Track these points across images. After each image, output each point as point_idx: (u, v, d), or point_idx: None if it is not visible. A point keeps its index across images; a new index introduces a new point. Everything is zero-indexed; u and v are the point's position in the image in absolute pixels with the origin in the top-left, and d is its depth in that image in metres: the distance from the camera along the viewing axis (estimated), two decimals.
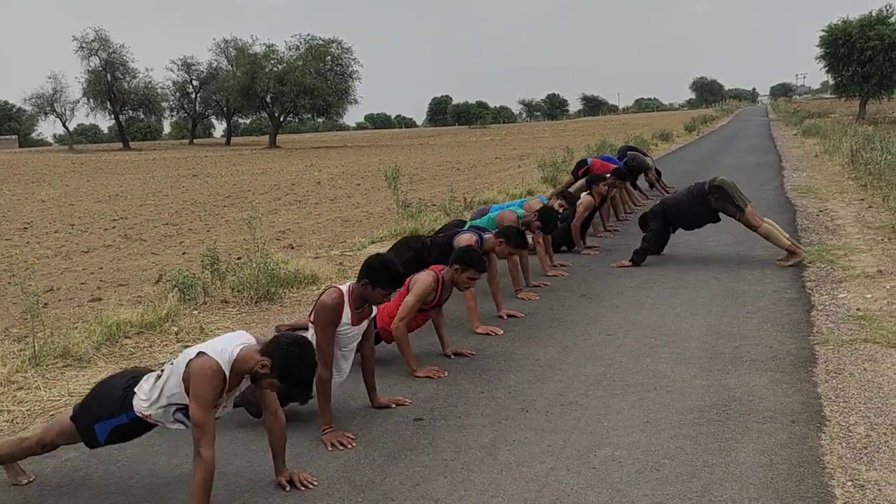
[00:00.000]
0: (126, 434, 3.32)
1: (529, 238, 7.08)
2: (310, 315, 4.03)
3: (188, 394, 3.07)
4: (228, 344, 3.14)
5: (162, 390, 3.16)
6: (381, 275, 3.89)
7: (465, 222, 7.36)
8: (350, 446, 3.72)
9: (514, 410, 4.10)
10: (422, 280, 4.86)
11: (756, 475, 3.22)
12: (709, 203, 7.64)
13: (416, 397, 4.36)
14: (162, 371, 3.23)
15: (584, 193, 9.03)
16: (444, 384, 4.57)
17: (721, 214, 7.71)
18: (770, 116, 64.94)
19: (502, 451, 3.60)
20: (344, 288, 4.00)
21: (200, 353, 3.07)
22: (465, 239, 5.83)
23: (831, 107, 57.34)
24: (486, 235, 5.95)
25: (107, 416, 3.25)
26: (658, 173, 14.28)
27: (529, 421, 3.94)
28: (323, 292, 4.00)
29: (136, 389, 3.24)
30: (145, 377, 3.29)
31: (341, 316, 3.92)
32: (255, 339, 3.32)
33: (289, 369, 3.05)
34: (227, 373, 3.07)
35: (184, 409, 3.14)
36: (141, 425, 3.28)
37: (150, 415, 3.20)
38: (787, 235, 7.60)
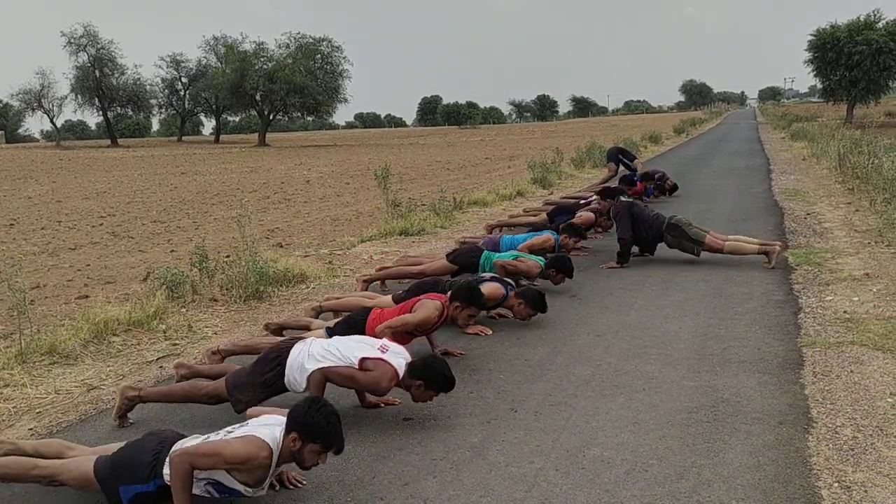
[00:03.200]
0: (149, 501, 3.17)
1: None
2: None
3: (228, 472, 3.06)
4: (273, 430, 3.12)
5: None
6: (438, 380, 3.94)
7: (480, 250, 7.07)
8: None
9: (504, 410, 4.10)
10: (428, 307, 4.83)
11: (744, 476, 3.24)
12: (664, 239, 7.90)
13: (406, 397, 4.35)
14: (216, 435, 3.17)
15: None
16: None
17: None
18: (758, 119, 65.32)
19: (491, 450, 3.60)
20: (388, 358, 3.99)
21: (258, 438, 3.06)
22: (490, 289, 5.63)
23: (819, 111, 57.67)
24: (510, 291, 5.83)
25: (133, 480, 3.13)
26: (663, 175, 14.09)
27: (518, 421, 3.94)
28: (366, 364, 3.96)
29: (169, 455, 3.12)
30: (182, 441, 3.20)
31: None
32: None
33: (312, 426, 3.06)
34: (276, 458, 3.07)
35: (215, 483, 3.09)
36: (166, 493, 3.10)
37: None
38: (753, 240, 7.70)
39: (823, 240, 8.62)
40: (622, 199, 8.62)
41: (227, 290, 6.98)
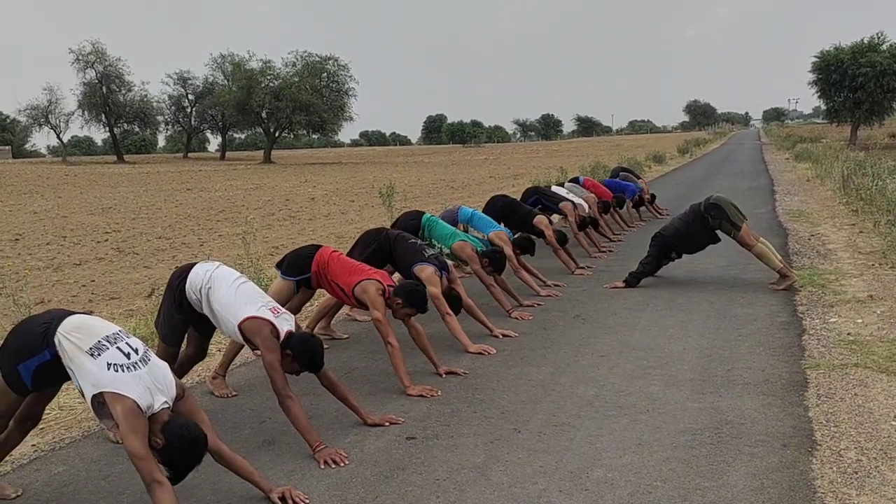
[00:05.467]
0: (51, 375, 3.21)
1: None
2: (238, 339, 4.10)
3: (101, 404, 3.04)
4: (156, 395, 3.08)
5: (80, 367, 3.08)
6: (305, 357, 3.88)
7: (421, 213, 7.14)
8: (343, 464, 3.71)
9: (507, 430, 4.09)
10: (371, 293, 4.82)
11: (747, 499, 3.23)
12: (706, 222, 7.69)
13: (409, 416, 4.35)
14: (97, 354, 3.08)
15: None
16: (437, 403, 4.57)
17: (720, 234, 7.75)
18: (762, 140, 65.44)
19: (495, 471, 3.59)
20: (275, 321, 3.97)
21: (127, 397, 2.99)
22: (426, 273, 5.60)
23: (823, 132, 57.76)
24: (444, 276, 5.77)
25: (28, 355, 3.17)
26: (652, 196, 14.40)
27: (522, 441, 3.94)
28: (246, 324, 3.97)
29: (61, 328, 3.16)
30: (75, 324, 3.20)
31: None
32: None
33: (173, 459, 3.03)
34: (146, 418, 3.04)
35: (83, 393, 3.10)
36: (63, 366, 3.17)
37: (65, 364, 3.13)
38: (779, 257, 7.65)
39: (827, 261, 8.61)
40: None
41: None
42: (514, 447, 3.87)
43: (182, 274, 4.29)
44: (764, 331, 5.91)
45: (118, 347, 3.15)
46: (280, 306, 4.18)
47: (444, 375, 5.05)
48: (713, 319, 6.34)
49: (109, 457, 3.95)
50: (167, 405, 3.11)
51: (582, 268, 8.80)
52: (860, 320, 6.03)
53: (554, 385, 4.82)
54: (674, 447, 3.78)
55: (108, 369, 3.05)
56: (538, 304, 7.08)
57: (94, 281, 9.42)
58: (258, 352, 4.05)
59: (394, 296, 4.90)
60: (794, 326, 5.99)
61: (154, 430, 3.03)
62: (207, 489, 3.49)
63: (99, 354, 3.09)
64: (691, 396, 4.50)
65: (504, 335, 6.00)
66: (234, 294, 4.07)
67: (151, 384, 3.10)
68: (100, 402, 3.06)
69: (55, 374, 3.21)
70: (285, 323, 3.99)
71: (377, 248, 5.98)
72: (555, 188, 11.02)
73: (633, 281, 7.76)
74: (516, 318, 6.55)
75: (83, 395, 3.12)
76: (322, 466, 3.69)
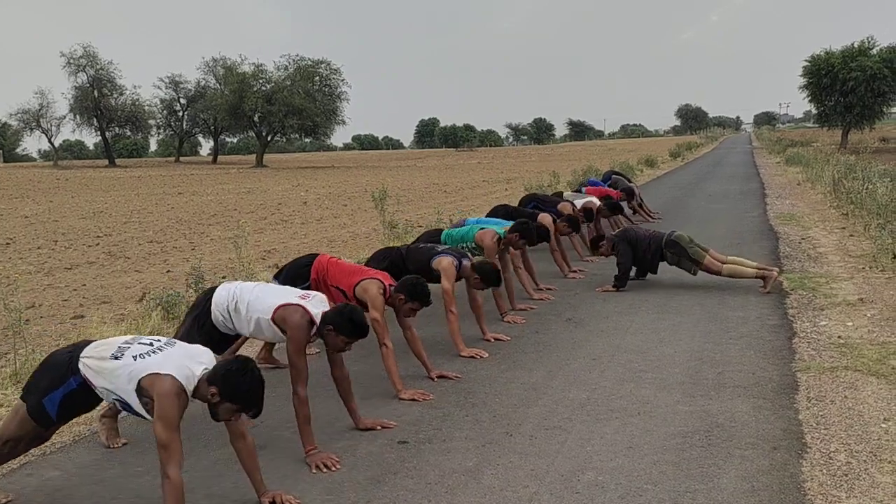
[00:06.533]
0: (77, 403, 3.26)
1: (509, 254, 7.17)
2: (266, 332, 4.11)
3: (138, 398, 3.08)
4: (192, 364, 3.13)
5: (110, 374, 3.13)
6: (347, 325, 3.89)
7: (441, 231, 7.35)
8: (335, 468, 3.71)
9: (499, 434, 4.10)
10: (372, 293, 4.82)
11: (738, 501, 3.24)
12: (664, 256, 7.88)
13: (401, 420, 4.35)
14: (118, 356, 3.15)
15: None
16: (429, 407, 4.57)
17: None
18: (754, 144, 65.71)
19: (486, 474, 3.60)
20: (309, 309, 3.99)
21: (163, 374, 3.04)
22: (444, 263, 5.78)
23: (814, 136, 57.97)
24: (465, 262, 5.89)
25: (55, 385, 3.20)
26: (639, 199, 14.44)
27: (514, 445, 3.95)
28: (278, 313, 4.00)
29: (83, 354, 3.21)
30: (97, 342, 3.27)
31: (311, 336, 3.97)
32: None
33: (235, 387, 3.05)
34: (190, 393, 3.08)
35: (122, 402, 3.15)
36: (92, 394, 3.22)
37: (92, 384, 3.17)
38: (752, 264, 7.70)
39: (818, 264, 8.66)
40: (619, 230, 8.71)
41: None
42: (505, 451, 3.87)
43: (208, 294, 4.33)
44: (755, 334, 5.93)
45: (140, 343, 3.22)
46: (310, 291, 4.24)
47: (436, 379, 5.06)
48: (704, 322, 6.37)
49: (102, 461, 3.94)
50: (208, 370, 3.14)
51: (574, 271, 8.83)
52: (850, 323, 6.07)
53: (546, 388, 4.83)
54: (665, 450, 3.80)
55: (136, 360, 3.11)
56: (530, 308, 7.09)
57: (85, 285, 9.38)
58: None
59: (395, 293, 4.87)
60: (784, 329, 6.02)
61: (203, 389, 3.08)
62: (201, 493, 3.49)
63: (122, 355, 3.16)
64: (682, 399, 4.52)
65: (496, 339, 6.01)
66: (262, 292, 4.14)
67: (184, 355, 3.16)
68: (146, 401, 3.10)
69: (81, 402, 3.28)
70: (318, 305, 4.03)
71: (391, 264, 5.95)
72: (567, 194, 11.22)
73: (620, 283, 7.79)
74: (508, 322, 6.56)
75: (131, 408, 3.14)
76: (313, 470, 3.69)
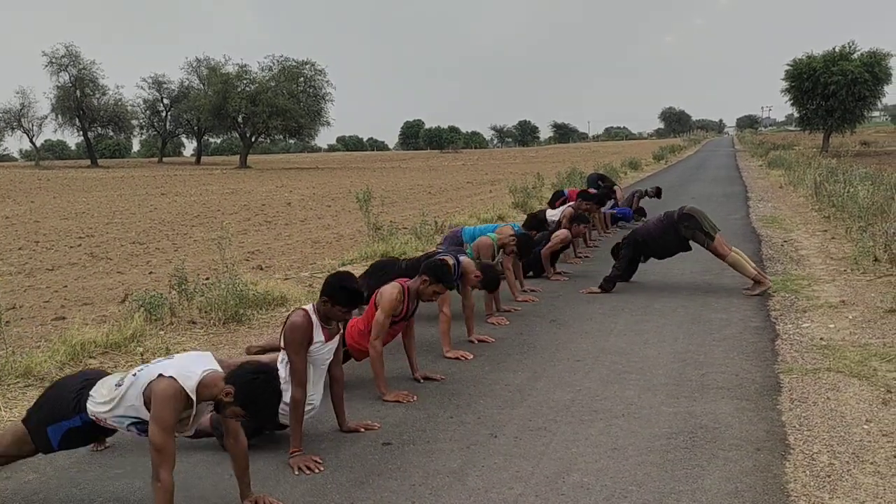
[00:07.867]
0: (80, 438, 3.28)
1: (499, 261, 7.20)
2: (280, 340, 4.01)
3: (148, 410, 3.04)
4: (195, 366, 3.11)
5: (121, 400, 3.12)
6: (340, 293, 3.90)
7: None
8: (317, 470, 3.68)
9: (483, 436, 4.09)
10: (387, 294, 4.83)
11: (722, 502, 3.24)
12: (679, 231, 7.75)
13: (385, 421, 4.33)
14: (123, 380, 3.18)
15: (564, 227, 9.09)
16: (414, 408, 4.56)
17: (692, 243, 7.82)
18: (736, 147, 66.14)
19: (471, 476, 3.59)
20: (309, 308, 4.00)
21: (164, 376, 3.04)
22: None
23: (796, 139, 58.50)
24: (462, 258, 5.97)
25: (59, 418, 3.20)
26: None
27: (498, 446, 3.94)
28: (289, 316, 3.99)
29: (91, 392, 3.20)
30: (102, 380, 3.26)
31: (312, 335, 3.91)
32: (221, 361, 3.31)
33: (254, 398, 3.03)
34: (193, 396, 3.04)
35: (139, 423, 3.12)
36: (95, 428, 3.24)
37: (105, 419, 3.16)
38: (753, 265, 7.72)
39: (800, 267, 8.72)
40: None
41: (206, 312, 6.93)
42: (490, 452, 3.86)
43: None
44: (738, 335, 5.96)
45: (142, 363, 3.27)
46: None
47: (421, 381, 5.04)
48: (688, 324, 6.39)
49: (81, 464, 3.89)
50: (212, 370, 3.12)
51: (559, 273, 8.84)
52: (832, 325, 6.11)
53: (530, 390, 4.82)
54: (649, 451, 3.80)
55: (137, 374, 3.14)
56: (515, 310, 7.09)
57: (66, 286, 9.29)
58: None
59: (419, 276, 4.92)
60: (767, 331, 6.05)
61: (214, 390, 3.06)
62: (180, 495, 3.44)
63: (124, 379, 3.18)
64: (666, 401, 4.53)
65: (480, 340, 6.01)
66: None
67: (184, 360, 3.17)
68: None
69: (83, 438, 3.31)
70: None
71: (390, 279, 5.94)
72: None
73: (608, 286, 7.79)
74: (493, 324, 6.56)
75: (147, 426, 3.10)
76: (296, 472, 3.66)
